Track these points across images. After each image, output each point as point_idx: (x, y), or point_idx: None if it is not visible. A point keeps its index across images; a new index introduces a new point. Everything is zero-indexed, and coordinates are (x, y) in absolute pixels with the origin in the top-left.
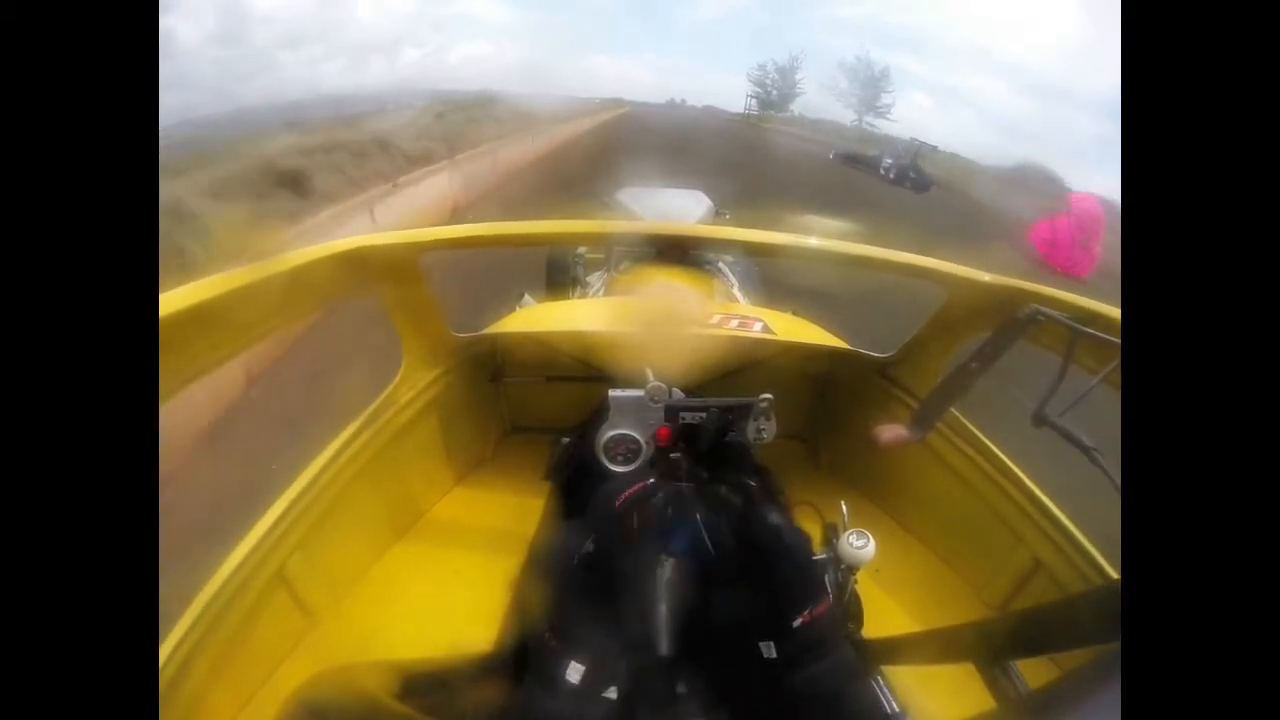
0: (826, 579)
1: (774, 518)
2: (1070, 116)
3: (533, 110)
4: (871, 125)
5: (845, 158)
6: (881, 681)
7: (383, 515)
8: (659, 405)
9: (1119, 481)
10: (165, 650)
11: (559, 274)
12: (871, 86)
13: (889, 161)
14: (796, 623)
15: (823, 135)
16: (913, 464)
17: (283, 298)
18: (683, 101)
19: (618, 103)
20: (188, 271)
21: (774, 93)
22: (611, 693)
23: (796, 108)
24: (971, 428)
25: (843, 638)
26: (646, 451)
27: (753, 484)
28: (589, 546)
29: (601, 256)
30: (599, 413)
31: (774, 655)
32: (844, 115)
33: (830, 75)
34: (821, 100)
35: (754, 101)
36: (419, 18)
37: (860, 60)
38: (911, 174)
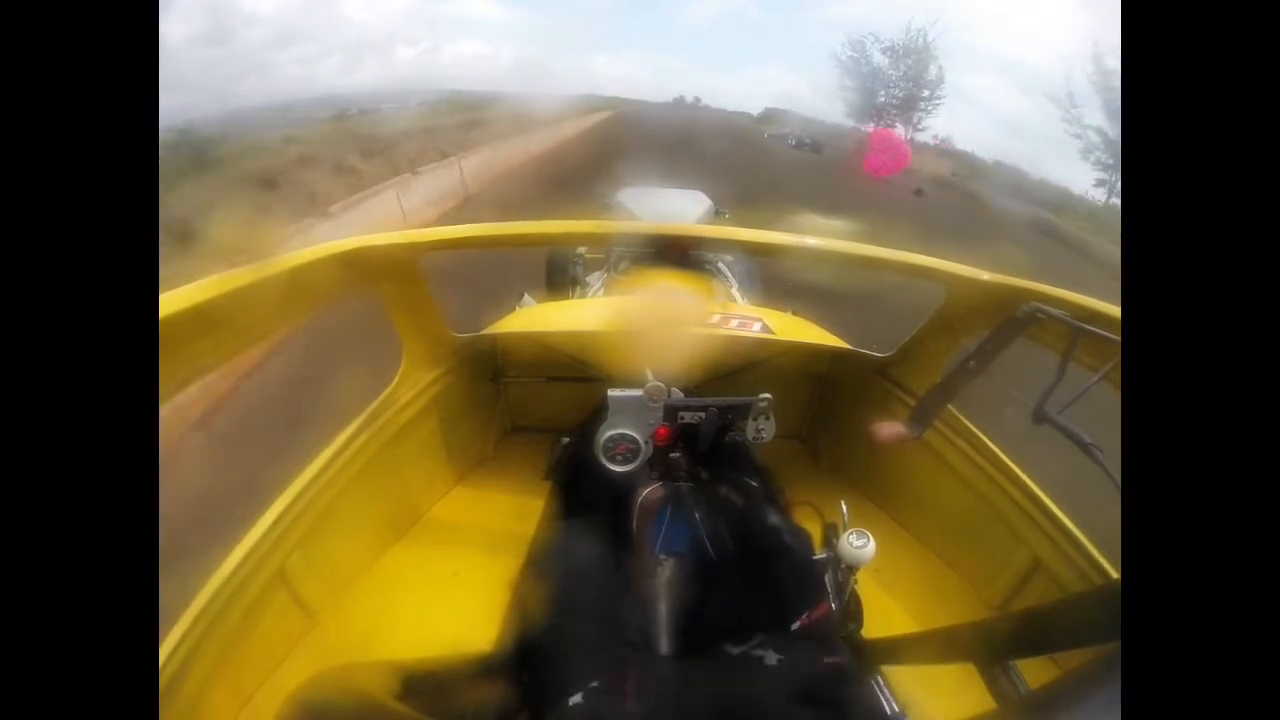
0: (826, 579)
1: (774, 519)
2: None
3: (526, 110)
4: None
5: (770, 136)
6: (881, 681)
7: (383, 515)
8: (658, 405)
9: (1119, 480)
10: (165, 650)
11: (559, 274)
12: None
13: (794, 135)
14: (795, 625)
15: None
16: (913, 464)
17: (283, 298)
18: (696, 100)
19: (608, 103)
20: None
21: (883, 94)
22: (578, 697)
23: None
24: (971, 427)
25: (841, 641)
26: (646, 451)
27: (753, 484)
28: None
29: (601, 256)
30: (599, 413)
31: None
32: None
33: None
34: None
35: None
36: (412, 16)
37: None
38: (807, 141)
